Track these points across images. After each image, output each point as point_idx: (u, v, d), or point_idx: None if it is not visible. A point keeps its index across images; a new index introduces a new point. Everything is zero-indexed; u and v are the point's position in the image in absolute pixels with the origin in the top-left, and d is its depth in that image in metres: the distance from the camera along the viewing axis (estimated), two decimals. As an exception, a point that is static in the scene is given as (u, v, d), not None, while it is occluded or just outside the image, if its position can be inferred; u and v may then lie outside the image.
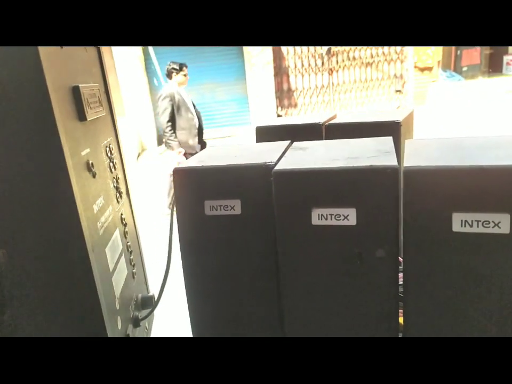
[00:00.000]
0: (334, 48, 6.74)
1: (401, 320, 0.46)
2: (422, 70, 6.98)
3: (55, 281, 0.44)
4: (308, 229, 0.45)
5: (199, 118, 3.24)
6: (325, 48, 6.68)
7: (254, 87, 6.70)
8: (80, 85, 0.47)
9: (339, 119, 0.79)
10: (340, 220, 0.44)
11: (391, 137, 0.55)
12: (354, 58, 6.93)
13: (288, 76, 6.97)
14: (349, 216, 0.44)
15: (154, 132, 6.66)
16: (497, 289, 0.39)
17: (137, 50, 6.42)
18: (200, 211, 0.51)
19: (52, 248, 0.43)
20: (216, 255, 0.52)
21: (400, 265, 0.45)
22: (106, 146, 0.56)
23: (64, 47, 0.46)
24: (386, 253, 0.43)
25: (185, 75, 3.19)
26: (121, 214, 0.59)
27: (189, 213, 0.52)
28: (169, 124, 3.08)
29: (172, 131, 3.10)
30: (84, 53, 0.53)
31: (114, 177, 0.58)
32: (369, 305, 0.45)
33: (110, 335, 0.47)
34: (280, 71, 6.89)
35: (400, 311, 0.45)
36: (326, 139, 0.73)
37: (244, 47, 6.34)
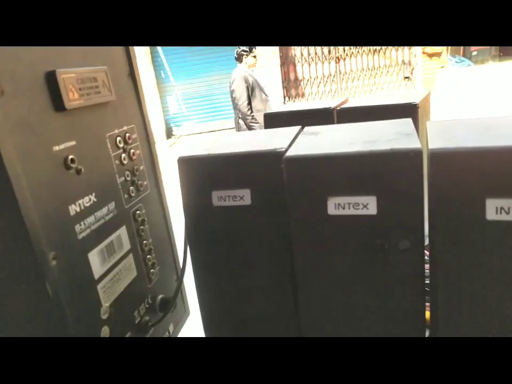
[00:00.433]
0: (340, 36, 6.60)
1: (427, 315, 0.42)
2: (431, 56, 6.83)
3: (16, 292, 0.39)
4: (324, 220, 0.42)
5: None
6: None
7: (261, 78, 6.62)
8: (58, 70, 0.42)
9: (351, 103, 0.75)
10: (358, 209, 0.41)
11: (410, 119, 0.51)
12: (361, 45, 6.80)
13: (294, 65, 6.87)
14: (368, 205, 0.40)
15: (163, 125, 6.63)
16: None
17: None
18: (208, 202, 0.47)
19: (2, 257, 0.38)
20: (225, 248, 0.49)
21: (426, 257, 0.41)
22: (118, 136, 0.51)
23: None
24: (411, 244, 0.40)
25: (254, 56, 3.18)
26: (136, 210, 0.54)
27: (195, 205, 0.48)
28: (249, 106, 3.08)
29: (252, 114, 3.09)
30: None
31: (129, 170, 0.53)
32: (393, 301, 0.42)
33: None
34: (286, 61, 6.80)
35: (427, 305, 0.42)
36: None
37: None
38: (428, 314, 0.42)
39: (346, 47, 6.79)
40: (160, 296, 0.59)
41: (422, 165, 0.39)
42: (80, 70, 0.45)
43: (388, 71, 6.96)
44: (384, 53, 6.90)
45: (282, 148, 0.45)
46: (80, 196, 0.45)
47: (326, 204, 0.41)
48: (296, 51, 6.82)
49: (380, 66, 6.93)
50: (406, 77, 7.00)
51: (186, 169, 0.48)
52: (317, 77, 6.92)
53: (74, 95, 0.44)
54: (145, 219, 0.56)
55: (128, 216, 0.53)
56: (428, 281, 0.40)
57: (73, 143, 0.44)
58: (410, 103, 0.66)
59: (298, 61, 6.88)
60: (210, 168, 0.47)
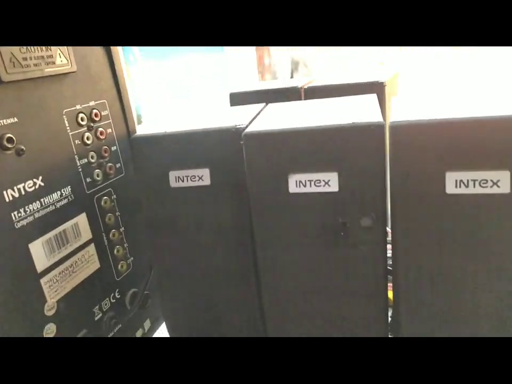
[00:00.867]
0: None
1: (390, 295, 0.42)
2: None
3: None
4: (285, 198, 0.40)
5: None
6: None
7: (235, 63, 6.54)
8: None
9: (319, 82, 0.74)
10: (320, 186, 0.39)
11: (375, 94, 0.50)
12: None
13: (269, 50, 6.81)
14: (330, 182, 0.39)
15: (133, 110, 6.48)
16: (497, 256, 0.35)
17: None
18: (165, 184, 0.45)
19: None
20: (184, 232, 0.47)
21: (388, 237, 0.40)
22: (80, 112, 0.47)
23: None
24: (373, 221, 0.39)
25: None
26: (103, 196, 0.50)
27: (152, 187, 0.46)
28: None
29: None
30: None
31: (94, 151, 0.49)
32: (355, 279, 0.41)
33: None
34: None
35: (390, 285, 0.41)
36: (305, 103, 0.67)
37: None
38: (390, 294, 0.42)
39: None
40: (132, 291, 0.55)
41: (384, 139, 0.37)
42: None
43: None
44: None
45: (242, 125, 0.43)
46: (20, 180, 0.40)
47: (287, 182, 0.40)
48: (271, 35, 6.76)
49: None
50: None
51: (141, 149, 0.45)
52: (293, 61, 6.89)
53: (14, 66, 0.39)
54: (116, 206, 0.52)
55: (91, 202, 0.49)
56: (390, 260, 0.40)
57: (13, 120, 0.40)
58: (377, 81, 0.65)
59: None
60: (166, 147, 0.44)
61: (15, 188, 0.40)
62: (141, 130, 0.46)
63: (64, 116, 0.45)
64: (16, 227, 0.40)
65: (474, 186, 0.34)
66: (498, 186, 0.33)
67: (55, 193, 0.44)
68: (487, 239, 0.35)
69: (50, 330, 0.43)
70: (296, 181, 0.40)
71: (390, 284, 0.41)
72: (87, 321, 0.49)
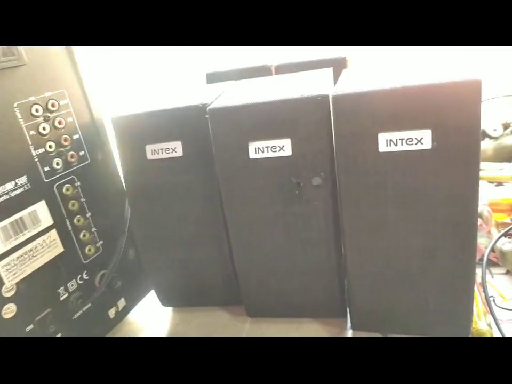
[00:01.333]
0: None
1: (341, 243, 0.48)
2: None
3: None
4: (246, 163, 0.46)
5: None
6: None
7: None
8: None
9: (290, 59, 0.78)
10: (276, 151, 0.45)
11: (331, 68, 0.55)
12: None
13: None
14: (284, 147, 0.45)
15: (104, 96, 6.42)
16: (424, 203, 0.41)
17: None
18: (142, 156, 0.51)
19: None
20: (161, 200, 0.53)
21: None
22: (35, 104, 0.47)
23: None
24: (322, 180, 0.45)
25: None
26: (64, 184, 0.51)
27: (131, 160, 0.52)
28: None
29: None
30: None
31: (52, 140, 0.49)
32: (310, 232, 0.47)
33: None
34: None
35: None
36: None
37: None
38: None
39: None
40: (102, 272, 0.56)
41: (329, 108, 0.43)
42: None
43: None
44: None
45: (208, 102, 0.48)
46: None
47: (247, 149, 0.46)
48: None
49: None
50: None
51: (121, 128, 0.51)
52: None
53: None
54: (81, 192, 0.53)
55: (51, 190, 0.49)
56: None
57: None
58: (339, 57, 0.70)
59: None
60: (142, 123, 0.50)
61: None
62: (116, 111, 0.52)
63: (16, 109, 0.46)
64: None
65: (402, 144, 0.39)
66: (421, 143, 0.39)
67: (9, 184, 0.45)
68: (416, 188, 0.41)
69: (9, 310, 0.45)
70: (255, 148, 0.45)
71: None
72: (51, 301, 0.50)
